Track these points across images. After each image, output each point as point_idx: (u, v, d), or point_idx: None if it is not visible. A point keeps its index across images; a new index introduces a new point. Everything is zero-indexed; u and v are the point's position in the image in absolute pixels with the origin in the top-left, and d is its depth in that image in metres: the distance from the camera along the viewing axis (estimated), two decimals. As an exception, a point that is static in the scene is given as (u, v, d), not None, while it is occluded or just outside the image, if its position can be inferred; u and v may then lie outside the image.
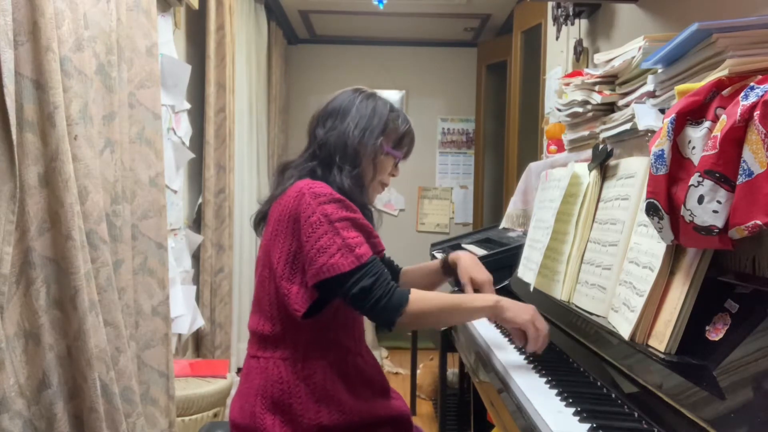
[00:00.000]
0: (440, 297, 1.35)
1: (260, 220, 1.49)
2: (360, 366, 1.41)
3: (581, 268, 1.46)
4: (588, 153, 1.70)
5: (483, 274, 1.51)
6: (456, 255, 1.60)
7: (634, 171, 1.34)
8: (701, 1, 1.62)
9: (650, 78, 1.35)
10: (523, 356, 1.41)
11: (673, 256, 1.08)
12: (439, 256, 2.86)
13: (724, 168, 0.87)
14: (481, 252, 2.49)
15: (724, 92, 0.96)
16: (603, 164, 1.52)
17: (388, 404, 1.42)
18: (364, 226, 1.33)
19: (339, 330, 1.38)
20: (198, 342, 3.12)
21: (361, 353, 1.43)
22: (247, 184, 3.79)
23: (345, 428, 1.33)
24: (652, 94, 1.36)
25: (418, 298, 1.29)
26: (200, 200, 3.13)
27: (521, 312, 1.30)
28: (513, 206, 2.41)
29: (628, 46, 1.50)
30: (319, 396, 1.33)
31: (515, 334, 1.32)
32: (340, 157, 1.40)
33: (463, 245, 2.98)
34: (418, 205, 5.34)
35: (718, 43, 1.04)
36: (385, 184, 1.51)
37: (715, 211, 0.89)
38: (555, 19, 2.55)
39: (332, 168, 1.40)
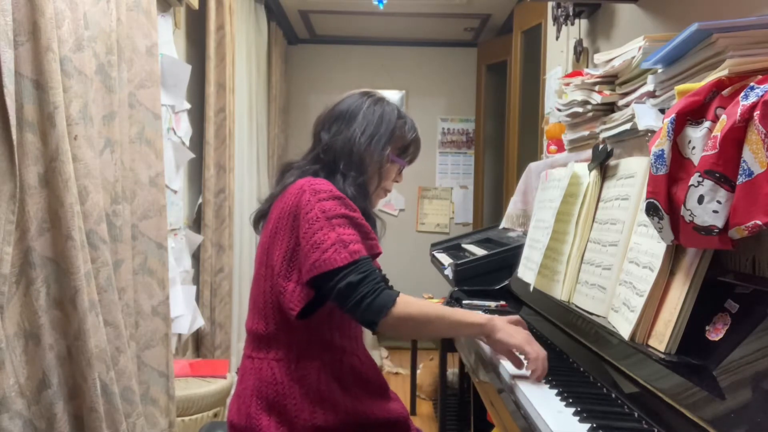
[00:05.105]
0: (429, 305, 1.32)
1: (260, 218, 1.48)
2: (356, 367, 1.39)
3: (581, 268, 1.46)
4: (588, 153, 1.70)
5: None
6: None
7: (634, 171, 1.34)
8: (701, 1, 1.62)
9: (650, 78, 1.35)
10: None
11: (673, 256, 1.08)
12: (440, 257, 2.87)
13: (724, 168, 0.87)
14: (481, 252, 2.49)
15: (724, 92, 0.96)
16: (603, 164, 1.52)
17: (385, 406, 1.41)
18: (361, 226, 1.31)
19: (334, 330, 1.36)
20: (198, 342, 3.12)
21: (357, 354, 1.41)
22: (247, 184, 3.79)
23: (340, 429, 1.32)
24: (652, 94, 1.36)
25: (406, 301, 1.25)
26: (200, 200, 3.13)
27: (515, 333, 1.24)
28: (513, 206, 2.41)
29: (628, 46, 1.49)
30: (314, 397, 1.31)
31: (510, 359, 1.26)
32: (345, 163, 1.38)
33: (463, 245, 2.98)
34: (418, 205, 5.34)
35: (718, 43, 1.04)
36: (389, 191, 1.50)
37: (715, 211, 0.89)
38: (555, 19, 2.55)
39: (336, 174, 1.38)
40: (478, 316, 1.30)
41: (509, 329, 1.26)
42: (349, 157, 1.38)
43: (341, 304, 1.25)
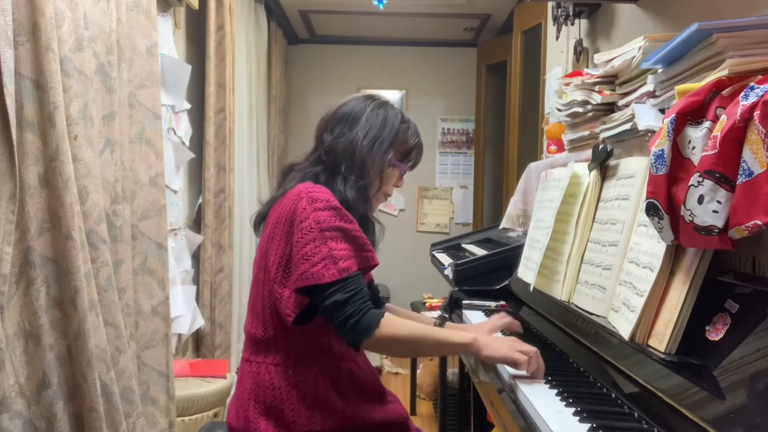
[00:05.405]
0: (414, 326, 1.31)
1: (260, 220, 1.48)
2: (354, 373, 1.39)
3: (581, 268, 1.46)
4: (588, 153, 1.70)
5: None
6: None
7: (634, 171, 1.34)
8: (701, 1, 1.62)
9: (650, 78, 1.35)
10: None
11: (673, 256, 1.08)
12: (440, 257, 2.87)
13: (724, 168, 0.87)
14: (481, 252, 2.49)
15: (724, 92, 0.96)
16: (603, 164, 1.52)
17: (384, 409, 1.41)
18: (356, 239, 1.30)
19: (332, 337, 1.35)
20: (198, 342, 3.12)
21: (355, 360, 1.41)
22: (247, 184, 3.79)
23: None
24: (652, 94, 1.36)
25: (391, 323, 1.25)
26: (200, 200, 3.13)
27: (500, 346, 1.24)
28: (513, 206, 2.41)
29: (628, 46, 1.49)
30: (311, 402, 1.31)
31: (506, 364, 1.26)
32: (347, 166, 1.38)
33: (463, 245, 2.98)
34: (418, 205, 5.34)
35: (718, 43, 1.04)
36: (389, 195, 1.49)
37: (715, 211, 0.89)
38: (555, 19, 2.55)
39: (337, 176, 1.38)
40: (463, 336, 1.30)
41: (494, 344, 1.25)
42: (351, 159, 1.38)
43: (327, 321, 1.26)
